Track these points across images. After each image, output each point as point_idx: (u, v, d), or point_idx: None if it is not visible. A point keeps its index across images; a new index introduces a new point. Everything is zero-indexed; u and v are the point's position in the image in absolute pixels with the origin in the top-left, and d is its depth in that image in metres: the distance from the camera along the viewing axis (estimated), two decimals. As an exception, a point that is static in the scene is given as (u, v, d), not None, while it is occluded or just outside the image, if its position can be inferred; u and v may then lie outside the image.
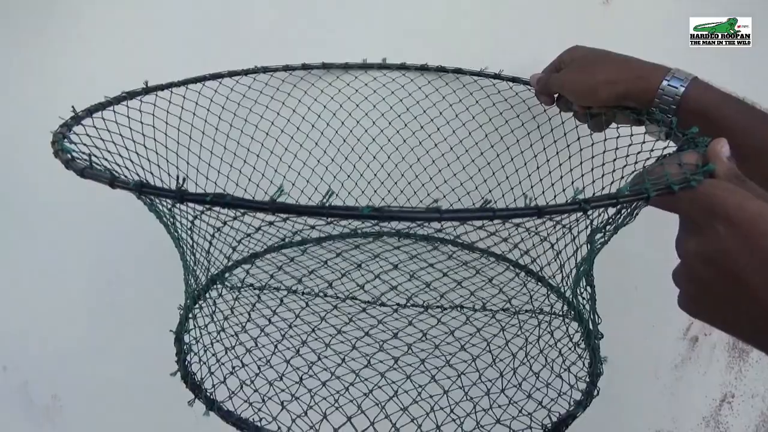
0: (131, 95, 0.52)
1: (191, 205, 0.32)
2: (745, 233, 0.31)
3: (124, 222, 0.68)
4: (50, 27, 0.62)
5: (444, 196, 0.69)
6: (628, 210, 0.39)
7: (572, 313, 0.56)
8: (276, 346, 0.45)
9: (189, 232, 0.40)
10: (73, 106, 0.44)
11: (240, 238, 0.41)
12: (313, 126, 0.66)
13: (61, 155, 0.35)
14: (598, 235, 0.47)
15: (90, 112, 0.46)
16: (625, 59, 0.54)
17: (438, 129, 0.67)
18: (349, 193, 0.69)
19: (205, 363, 0.46)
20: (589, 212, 0.33)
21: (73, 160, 0.34)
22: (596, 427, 0.58)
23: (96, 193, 0.66)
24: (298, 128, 0.66)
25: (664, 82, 0.51)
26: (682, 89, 0.50)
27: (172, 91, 0.56)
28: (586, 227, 0.40)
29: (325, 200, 0.27)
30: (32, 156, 0.65)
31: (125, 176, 0.40)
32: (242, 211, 0.29)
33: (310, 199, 0.67)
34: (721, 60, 0.50)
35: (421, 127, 0.67)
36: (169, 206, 0.36)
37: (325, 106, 0.66)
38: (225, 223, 0.35)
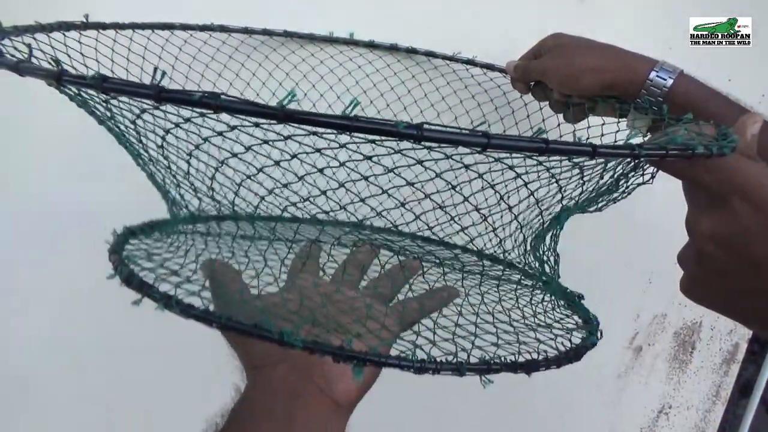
0: (67, 26, 0.44)
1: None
2: (762, 208, 0.29)
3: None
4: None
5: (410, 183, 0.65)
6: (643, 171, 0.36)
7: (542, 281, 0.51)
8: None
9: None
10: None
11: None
12: (273, 94, 0.60)
13: None
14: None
15: (18, 30, 0.38)
16: (611, 47, 0.53)
17: (405, 108, 0.63)
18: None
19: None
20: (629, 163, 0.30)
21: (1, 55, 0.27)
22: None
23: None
24: (258, 94, 0.59)
25: (653, 74, 0.50)
26: (671, 81, 0.49)
27: (117, 32, 0.49)
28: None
29: (348, 110, 0.22)
30: None
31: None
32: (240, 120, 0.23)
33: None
34: (721, 60, 0.50)
35: (387, 105, 0.63)
36: (136, 112, 0.29)
37: (287, 74, 0.61)
38: (221, 133, 0.28)
